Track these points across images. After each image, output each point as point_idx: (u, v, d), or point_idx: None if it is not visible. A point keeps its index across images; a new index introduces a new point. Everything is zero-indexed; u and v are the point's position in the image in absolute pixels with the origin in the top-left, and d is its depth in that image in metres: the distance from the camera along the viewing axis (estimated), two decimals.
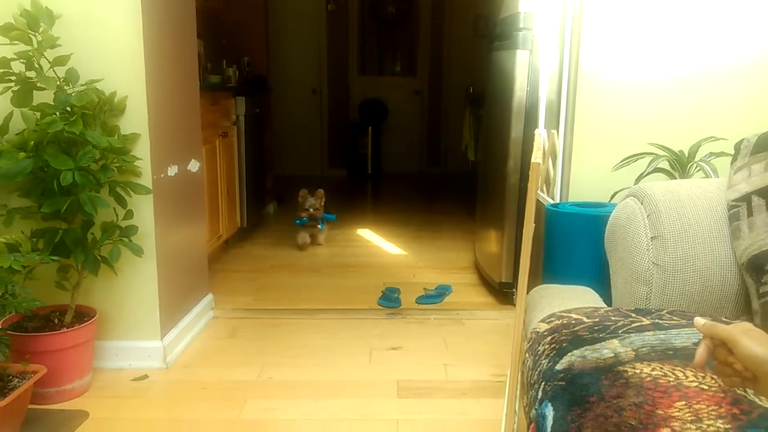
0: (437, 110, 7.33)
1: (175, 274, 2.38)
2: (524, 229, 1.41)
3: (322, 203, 4.02)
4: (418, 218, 5.02)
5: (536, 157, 1.38)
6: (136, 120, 2.11)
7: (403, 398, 2.06)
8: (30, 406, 1.83)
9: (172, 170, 2.34)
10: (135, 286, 2.20)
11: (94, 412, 1.94)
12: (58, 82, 1.92)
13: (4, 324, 1.95)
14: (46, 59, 1.91)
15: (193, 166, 2.57)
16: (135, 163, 2.07)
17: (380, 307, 2.92)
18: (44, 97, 1.92)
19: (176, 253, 2.40)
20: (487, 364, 2.28)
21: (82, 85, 1.98)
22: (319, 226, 3.97)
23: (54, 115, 1.87)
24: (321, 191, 4.02)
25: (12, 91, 1.89)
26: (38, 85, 1.89)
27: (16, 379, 1.78)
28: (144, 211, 2.15)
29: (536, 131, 2.37)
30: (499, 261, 2.97)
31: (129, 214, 2.08)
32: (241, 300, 2.98)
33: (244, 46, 4.94)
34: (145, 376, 2.18)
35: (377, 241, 4.23)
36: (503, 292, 2.98)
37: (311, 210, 3.89)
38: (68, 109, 1.90)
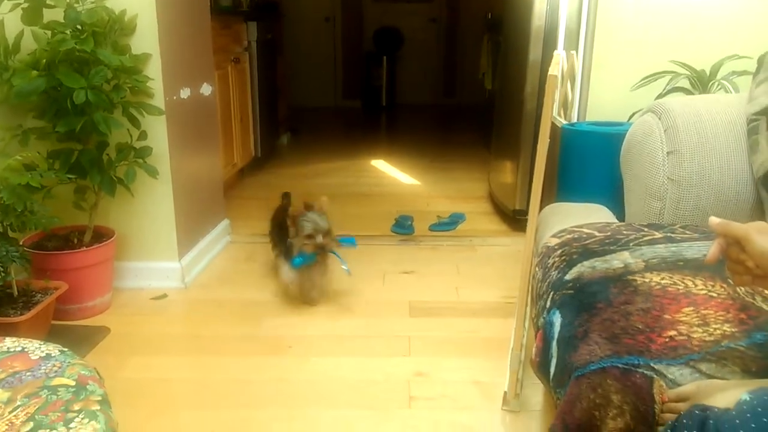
0: (454, 39, 7.14)
1: (191, 197, 2.40)
2: (539, 145, 1.40)
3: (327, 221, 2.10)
4: (433, 149, 4.99)
5: (553, 70, 1.34)
6: (146, 40, 2.08)
7: (415, 317, 2.11)
8: (53, 322, 1.90)
9: (185, 92, 2.33)
10: (151, 207, 2.23)
11: (115, 327, 2.01)
12: (67, 0, 1.89)
13: (26, 243, 1.99)
14: None
15: (206, 89, 2.55)
16: (147, 84, 2.06)
17: (393, 234, 2.94)
18: (54, 15, 1.89)
19: (192, 177, 2.42)
20: (498, 287, 2.31)
21: (92, 2, 1.95)
22: (336, 260, 2.17)
23: (65, 33, 1.85)
24: (324, 200, 2.10)
25: (22, 8, 1.87)
26: (48, 2, 1.86)
27: (39, 295, 1.85)
28: (158, 133, 2.15)
29: (555, 52, 2.31)
30: (513, 189, 2.96)
31: (143, 135, 2.08)
32: (258, 225, 2.99)
33: None
34: (165, 295, 2.24)
35: (391, 172, 4.22)
36: (517, 220, 2.98)
37: (318, 236, 2.02)
38: (78, 27, 1.88)
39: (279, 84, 4.61)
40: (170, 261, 2.29)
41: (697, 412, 0.68)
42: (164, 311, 2.15)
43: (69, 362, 0.99)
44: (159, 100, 2.12)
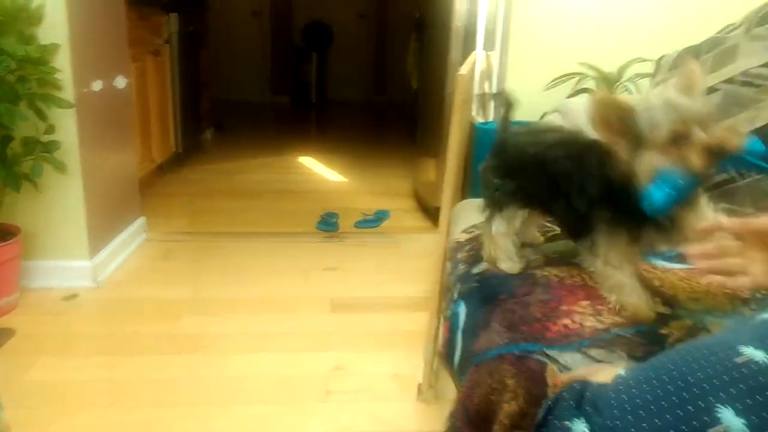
0: (384, 36, 7.19)
1: (103, 194, 2.32)
2: (449, 143, 1.44)
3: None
4: (362, 146, 5.02)
5: (462, 69, 1.38)
6: (55, 30, 2.00)
7: (336, 313, 2.12)
8: None
9: (97, 85, 2.24)
10: (61, 204, 2.14)
11: (22, 329, 1.92)
12: None
13: None
14: None
15: (120, 82, 2.47)
16: (55, 75, 1.98)
17: (318, 231, 2.94)
18: None
19: (104, 172, 2.34)
20: (420, 282, 2.36)
21: None
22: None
23: None
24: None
25: None
26: None
27: None
28: (67, 127, 2.07)
29: (474, 52, 2.38)
30: (435, 186, 3.02)
31: (50, 129, 2.00)
32: (176, 223, 2.94)
33: None
34: (75, 295, 2.16)
35: (318, 169, 4.21)
36: (439, 216, 3.04)
37: (697, 133, 0.79)
38: None
39: (202, 78, 4.51)
40: (81, 259, 2.21)
41: (576, 386, 0.72)
42: (75, 311, 2.07)
43: None
44: (68, 93, 2.04)
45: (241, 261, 2.53)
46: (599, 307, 1.05)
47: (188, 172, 3.90)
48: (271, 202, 3.38)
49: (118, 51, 2.48)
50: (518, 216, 1.14)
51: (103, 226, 2.33)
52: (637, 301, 0.99)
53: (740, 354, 0.63)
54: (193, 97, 4.22)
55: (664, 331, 1.00)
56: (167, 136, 3.66)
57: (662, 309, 1.05)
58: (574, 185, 1.00)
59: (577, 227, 1.05)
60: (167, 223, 2.91)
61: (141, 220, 2.71)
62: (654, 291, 1.11)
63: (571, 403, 0.69)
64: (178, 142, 3.86)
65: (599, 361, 0.95)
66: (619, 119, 0.87)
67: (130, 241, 2.57)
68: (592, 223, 0.99)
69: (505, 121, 1.24)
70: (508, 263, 1.14)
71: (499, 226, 1.14)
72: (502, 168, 1.17)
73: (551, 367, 0.94)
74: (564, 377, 0.93)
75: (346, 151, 4.72)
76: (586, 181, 0.99)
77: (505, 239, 1.14)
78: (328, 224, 3.01)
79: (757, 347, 0.64)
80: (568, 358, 0.95)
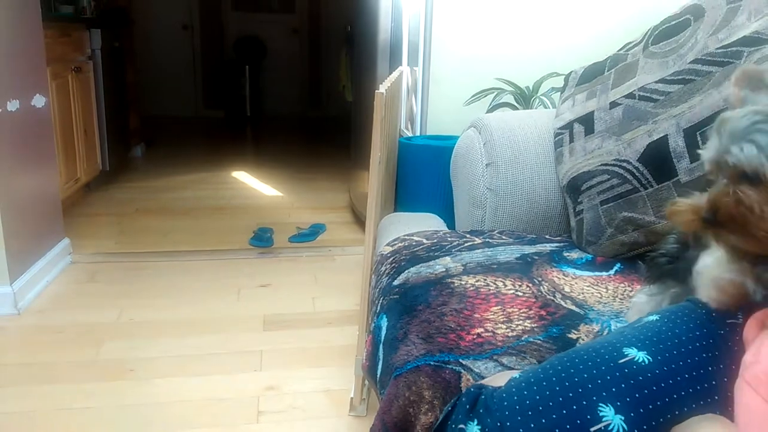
0: (317, 50, 7.21)
1: (22, 217, 2.23)
2: (371, 160, 1.46)
3: None
4: (297, 160, 5.00)
5: (382, 87, 1.41)
6: None
7: (269, 331, 2.10)
8: None
9: (12, 105, 2.16)
10: None
11: None
12: None
13: None
14: None
15: (38, 101, 2.38)
16: None
17: (251, 247, 2.91)
18: None
19: (23, 195, 2.25)
20: (353, 295, 2.37)
21: None
22: None
23: None
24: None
25: None
26: None
27: None
28: None
29: (399, 68, 2.42)
30: None
31: None
32: (103, 244, 2.85)
33: None
34: None
35: (253, 183, 4.17)
36: None
37: None
38: None
39: (129, 94, 4.40)
40: (0, 285, 2.11)
41: (472, 389, 0.75)
42: None
43: None
44: None
45: (170, 281, 2.47)
46: (510, 310, 1.10)
47: (116, 190, 3.79)
48: (203, 219, 3.33)
49: (36, 69, 2.40)
50: None
51: (24, 250, 2.24)
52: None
53: (624, 355, 0.68)
54: (120, 113, 4.11)
55: (572, 336, 1.05)
56: (93, 154, 3.55)
57: (573, 308, 1.11)
58: None
59: None
60: (93, 244, 2.82)
61: (65, 242, 2.61)
62: (564, 296, 1.16)
63: (467, 406, 0.72)
64: (105, 160, 3.75)
65: (511, 368, 0.99)
66: None
67: (54, 264, 2.47)
68: None
69: None
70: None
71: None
72: None
73: (466, 377, 0.97)
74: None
75: (282, 165, 4.70)
76: None
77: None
78: (262, 240, 2.98)
79: (639, 348, 0.68)
80: (481, 366, 0.98)
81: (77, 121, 3.24)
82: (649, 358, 0.68)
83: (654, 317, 0.78)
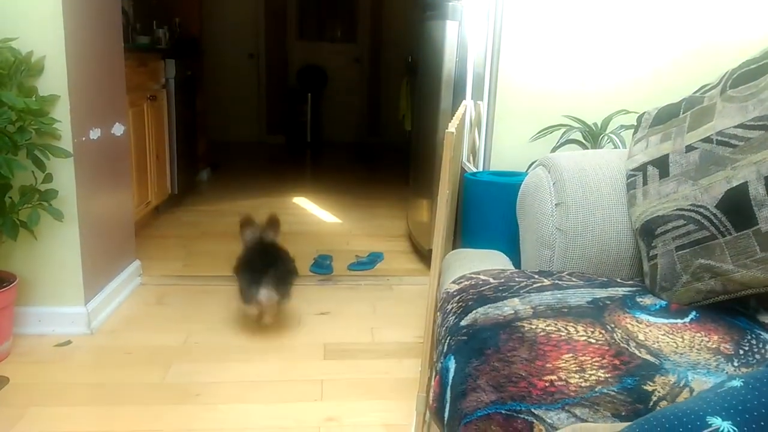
0: (377, 79, 7.33)
1: (99, 240, 2.34)
2: (439, 197, 1.47)
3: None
4: (356, 187, 5.06)
5: (451, 126, 1.43)
6: (55, 81, 2.04)
7: (329, 360, 2.12)
8: None
9: (95, 133, 2.28)
10: (57, 251, 2.16)
11: (14, 377, 1.91)
12: None
13: None
14: None
15: (118, 129, 2.51)
16: (54, 126, 2.02)
17: (311, 274, 2.95)
18: None
19: (100, 218, 2.36)
20: (412, 327, 2.37)
21: None
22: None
23: None
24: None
25: None
26: None
27: None
28: (64, 175, 2.10)
29: (464, 102, 2.44)
30: (428, 229, 3.05)
31: (48, 178, 2.03)
32: (170, 266, 2.95)
33: (175, 6, 4.79)
34: (69, 342, 2.16)
35: (313, 210, 4.24)
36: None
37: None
38: None
39: (198, 120, 4.58)
40: (76, 305, 2.22)
41: None
42: (68, 359, 2.07)
43: None
44: (67, 142, 2.07)
45: (233, 307, 2.53)
46: (582, 358, 1.08)
47: (182, 213, 3.93)
48: None
49: (117, 99, 2.53)
50: None
51: (99, 271, 2.34)
52: None
53: (708, 425, 0.65)
54: (190, 139, 4.27)
55: (648, 388, 1.02)
56: (163, 178, 3.70)
57: (648, 357, 1.08)
58: None
59: None
60: (162, 266, 2.92)
61: (136, 264, 2.72)
62: (639, 344, 1.13)
63: None
64: (174, 184, 3.90)
65: (584, 420, 0.97)
66: None
67: (125, 285, 2.58)
68: None
69: None
70: None
71: None
72: None
73: (538, 427, 0.95)
74: None
75: (341, 192, 4.76)
76: None
77: None
78: (322, 267, 3.02)
79: (724, 418, 0.66)
80: (553, 416, 0.97)
81: (150, 147, 3.40)
82: (735, 428, 0.66)
83: (737, 383, 0.76)
